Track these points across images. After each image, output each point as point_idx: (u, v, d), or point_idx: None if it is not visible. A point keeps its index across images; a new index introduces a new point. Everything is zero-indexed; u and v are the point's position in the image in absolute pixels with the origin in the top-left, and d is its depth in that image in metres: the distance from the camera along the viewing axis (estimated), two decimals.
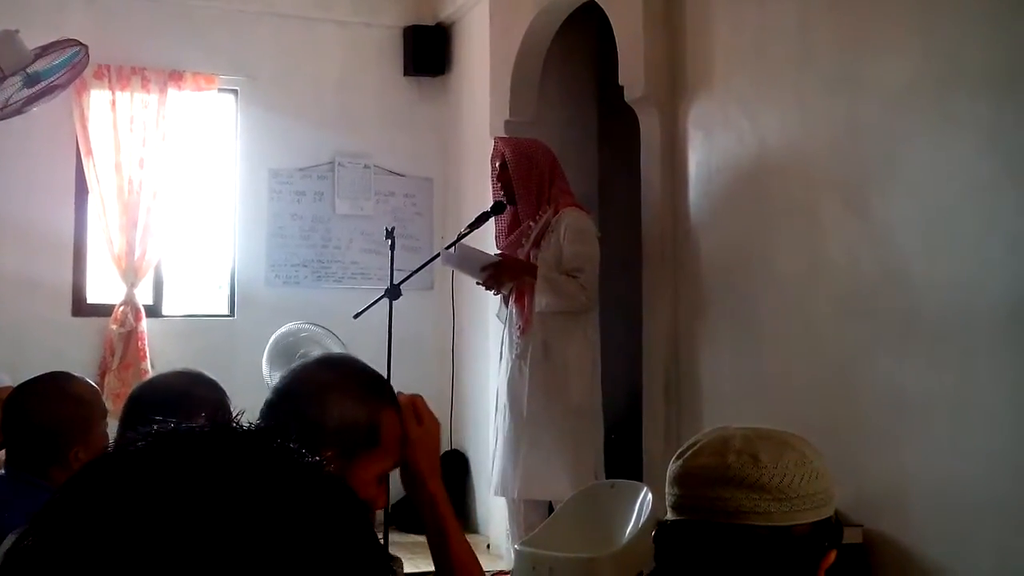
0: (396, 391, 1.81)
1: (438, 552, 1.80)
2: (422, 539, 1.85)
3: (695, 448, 1.46)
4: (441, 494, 1.80)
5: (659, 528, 1.48)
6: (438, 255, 5.25)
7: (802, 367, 3.87)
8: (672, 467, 1.47)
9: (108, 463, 0.64)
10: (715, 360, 4.36)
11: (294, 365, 1.79)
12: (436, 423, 1.83)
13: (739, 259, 4.23)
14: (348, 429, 1.65)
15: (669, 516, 1.47)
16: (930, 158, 3.33)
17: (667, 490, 1.48)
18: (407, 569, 3.28)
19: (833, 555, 1.44)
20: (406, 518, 5.56)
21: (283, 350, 4.92)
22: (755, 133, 4.16)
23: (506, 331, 4.86)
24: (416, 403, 1.80)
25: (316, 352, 4.90)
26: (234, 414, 1.84)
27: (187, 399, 2.29)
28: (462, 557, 1.79)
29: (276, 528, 0.61)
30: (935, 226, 3.31)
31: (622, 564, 3.58)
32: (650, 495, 3.86)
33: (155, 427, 0.67)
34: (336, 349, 4.86)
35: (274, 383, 1.76)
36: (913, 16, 3.41)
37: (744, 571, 1.39)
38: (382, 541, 1.54)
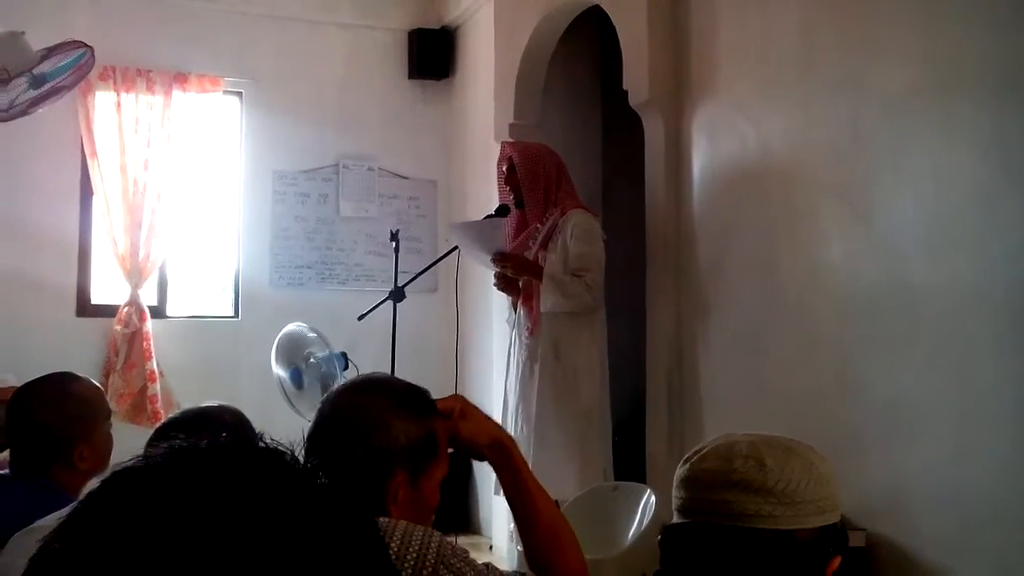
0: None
1: (521, 507, 1.90)
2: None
3: (702, 453, 1.47)
4: (518, 456, 1.93)
5: (665, 531, 1.48)
6: (444, 256, 5.25)
7: (804, 371, 3.87)
8: (679, 471, 1.48)
9: (131, 474, 0.67)
10: (718, 363, 4.36)
11: (331, 395, 1.84)
12: (454, 401, 1.92)
13: (742, 263, 4.23)
14: (414, 447, 1.75)
15: (675, 519, 1.48)
16: (932, 163, 3.34)
17: (674, 493, 1.48)
18: None
19: (838, 561, 1.44)
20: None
21: (292, 348, 4.93)
22: (758, 138, 4.17)
23: (515, 334, 4.86)
24: (444, 404, 1.89)
25: (323, 354, 4.91)
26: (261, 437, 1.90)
27: (214, 421, 2.31)
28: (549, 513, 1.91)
29: (291, 544, 0.63)
30: (936, 231, 3.31)
31: (626, 566, 3.58)
32: (653, 497, 3.86)
33: (177, 442, 0.69)
34: (324, 354, 4.88)
35: (314, 414, 1.81)
36: (915, 21, 3.41)
37: (749, 574, 1.39)
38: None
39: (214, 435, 0.70)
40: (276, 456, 0.70)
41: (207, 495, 0.63)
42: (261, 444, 0.71)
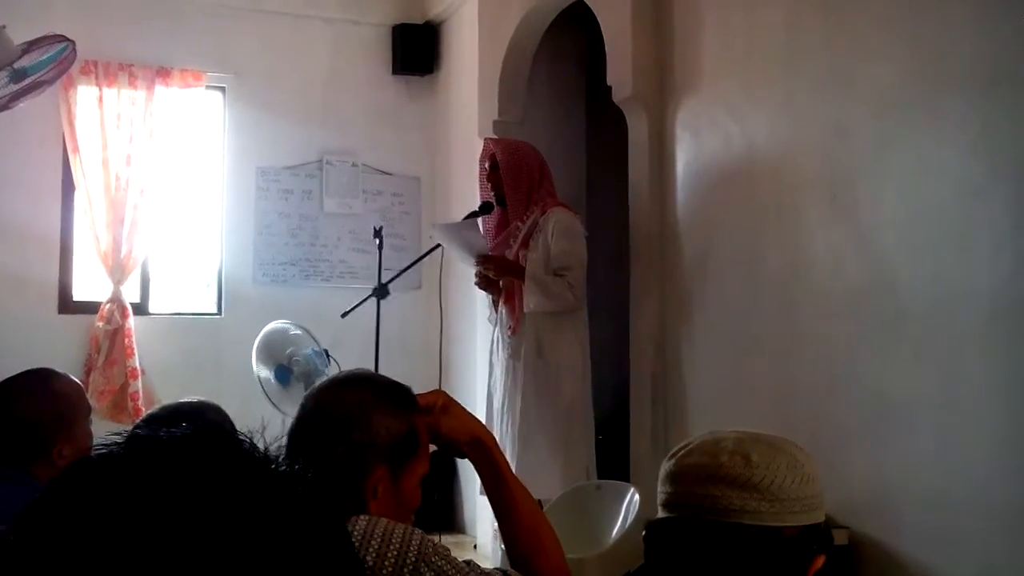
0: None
1: (502, 506, 1.89)
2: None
3: (688, 448, 1.46)
4: (498, 454, 1.92)
5: (649, 526, 1.47)
6: (427, 253, 5.23)
7: (788, 367, 3.87)
8: (664, 466, 1.47)
9: (90, 465, 0.67)
10: (702, 360, 4.36)
11: (314, 390, 1.84)
12: (436, 396, 1.91)
13: (726, 259, 4.23)
14: (395, 443, 1.74)
15: (660, 514, 1.47)
16: (916, 159, 3.34)
17: (659, 488, 1.48)
18: None
19: (822, 560, 1.44)
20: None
21: (273, 347, 4.92)
22: (742, 134, 4.17)
23: (497, 333, 4.85)
24: (426, 399, 1.88)
25: (306, 351, 4.89)
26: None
27: (193, 418, 2.30)
28: (527, 509, 1.90)
29: (250, 532, 0.63)
30: (921, 227, 3.32)
31: (609, 564, 3.57)
32: (637, 495, 3.85)
33: (138, 431, 0.70)
34: (308, 351, 4.87)
35: (297, 410, 1.80)
36: (901, 18, 3.41)
37: (733, 570, 1.38)
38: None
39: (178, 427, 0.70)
40: (235, 445, 0.70)
41: (164, 485, 0.64)
42: (221, 433, 0.71)
